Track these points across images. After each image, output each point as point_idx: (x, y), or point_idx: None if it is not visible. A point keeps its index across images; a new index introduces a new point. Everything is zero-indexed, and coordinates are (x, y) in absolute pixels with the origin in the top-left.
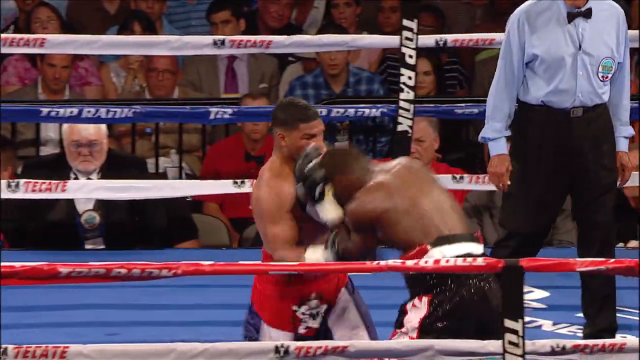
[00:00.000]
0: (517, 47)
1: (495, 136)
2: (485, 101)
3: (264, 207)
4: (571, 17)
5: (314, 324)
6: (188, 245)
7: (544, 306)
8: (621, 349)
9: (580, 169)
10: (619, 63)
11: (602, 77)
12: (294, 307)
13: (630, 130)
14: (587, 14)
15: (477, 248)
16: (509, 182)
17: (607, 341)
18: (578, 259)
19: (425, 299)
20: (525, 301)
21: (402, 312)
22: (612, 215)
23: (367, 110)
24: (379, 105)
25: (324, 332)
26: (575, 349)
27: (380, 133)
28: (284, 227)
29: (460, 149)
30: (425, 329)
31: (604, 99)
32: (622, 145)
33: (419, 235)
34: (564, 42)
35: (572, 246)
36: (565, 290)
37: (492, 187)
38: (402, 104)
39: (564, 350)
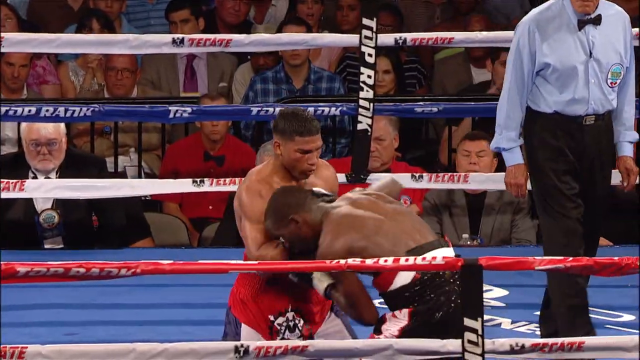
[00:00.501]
0: (528, 56)
1: (511, 146)
2: (444, 100)
3: (246, 209)
4: (581, 25)
5: (292, 337)
6: (142, 244)
7: (503, 304)
8: (579, 348)
9: (588, 177)
10: (626, 68)
11: (611, 83)
12: (271, 317)
13: (634, 135)
14: (597, 21)
15: (448, 252)
16: (527, 190)
17: (567, 340)
18: (537, 257)
19: (405, 311)
20: (484, 300)
21: (381, 320)
22: (601, 223)
23: (326, 109)
24: (338, 104)
25: None
26: (534, 348)
27: (340, 134)
28: (264, 230)
29: (420, 147)
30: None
31: (613, 105)
32: (627, 149)
33: (388, 256)
34: (575, 50)
35: (531, 244)
36: (524, 288)
37: (451, 186)
38: (361, 102)
39: (523, 349)
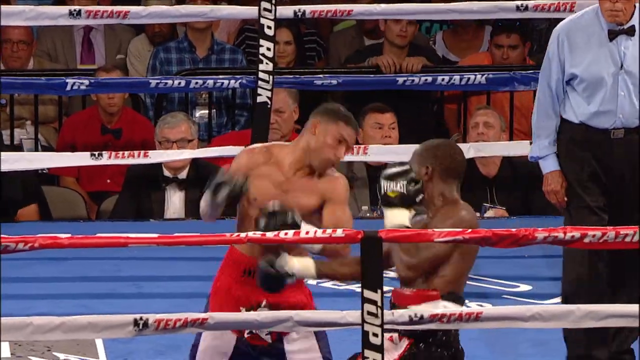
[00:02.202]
0: (557, 65)
1: (545, 153)
2: (340, 72)
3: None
4: (612, 35)
5: (262, 332)
6: (29, 210)
7: None
8: (477, 318)
9: (619, 191)
10: None
11: None
12: (242, 309)
13: None
14: (630, 32)
15: None
16: (565, 198)
17: (465, 310)
18: (435, 230)
19: (405, 342)
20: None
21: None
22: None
23: (226, 82)
24: (238, 77)
25: (281, 354)
26: (433, 318)
27: (240, 107)
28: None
29: None
30: None
31: None
32: None
33: (449, 284)
34: (605, 62)
35: None
36: None
37: (351, 158)
38: (261, 75)
39: (421, 320)
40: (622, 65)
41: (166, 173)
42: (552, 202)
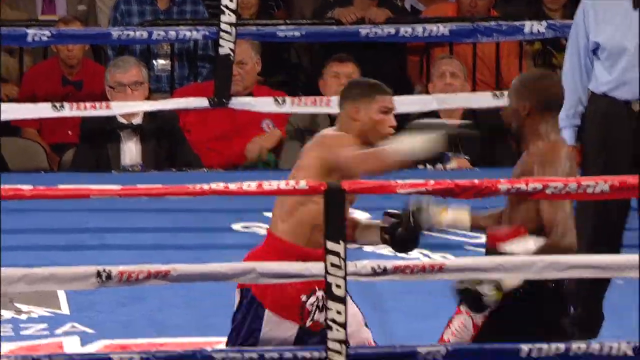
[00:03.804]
0: (583, 35)
1: (561, 125)
2: (304, 24)
3: (339, 145)
4: (637, 3)
5: (321, 317)
6: None
7: None
8: (441, 269)
9: (620, 166)
10: None
11: None
12: (303, 297)
13: None
14: None
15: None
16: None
17: (427, 262)
18: (399, 181)
19: None
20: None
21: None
22: None
23: (188, 33)
24: (200, 28)
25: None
26: (396, 270)
27: (203, 58)
28: (355, 147)
29: (282, 71)
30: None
31: None
32: None
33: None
34: (627, 30)
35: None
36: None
37: (314, 109)
38: (223, 26)
39: (385, 271)
40: None
41: (120, 120)
42: None
